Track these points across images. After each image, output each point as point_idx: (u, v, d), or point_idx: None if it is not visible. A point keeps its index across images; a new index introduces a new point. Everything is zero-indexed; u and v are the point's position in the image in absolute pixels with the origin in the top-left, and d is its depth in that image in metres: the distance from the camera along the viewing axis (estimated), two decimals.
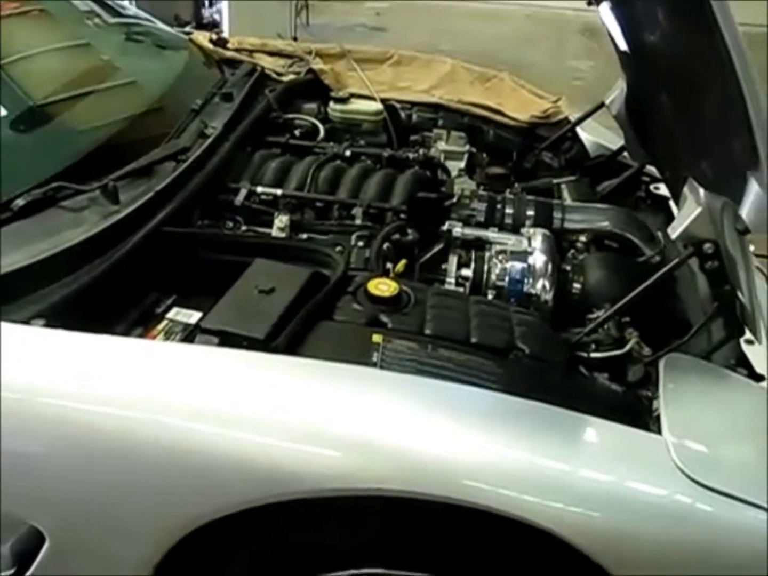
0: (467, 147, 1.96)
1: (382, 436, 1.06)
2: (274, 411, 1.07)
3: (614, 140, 2.05)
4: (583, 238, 1.68)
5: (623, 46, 1.63)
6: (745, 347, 1.35)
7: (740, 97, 1.03)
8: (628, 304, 1.33)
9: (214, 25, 4.07)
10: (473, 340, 1.24)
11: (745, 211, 1.06)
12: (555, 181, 1.97)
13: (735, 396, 1.26)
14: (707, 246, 1.31)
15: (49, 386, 1.09)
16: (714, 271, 1.33)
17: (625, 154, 1.96)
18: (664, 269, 1.34)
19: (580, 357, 1.34)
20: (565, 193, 1.90)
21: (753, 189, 1.03)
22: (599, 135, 2.13)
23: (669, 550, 1.07)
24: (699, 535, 1.06)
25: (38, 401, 1.09)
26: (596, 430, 1.13)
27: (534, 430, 1.12)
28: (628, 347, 1.35)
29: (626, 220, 1.70)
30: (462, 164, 1.92)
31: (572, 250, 1.64)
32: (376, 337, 1.20)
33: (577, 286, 1.53)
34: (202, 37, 2.29)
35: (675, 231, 1.33)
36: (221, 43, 2.25)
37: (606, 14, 1.60)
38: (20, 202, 1.33)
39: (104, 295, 1.24)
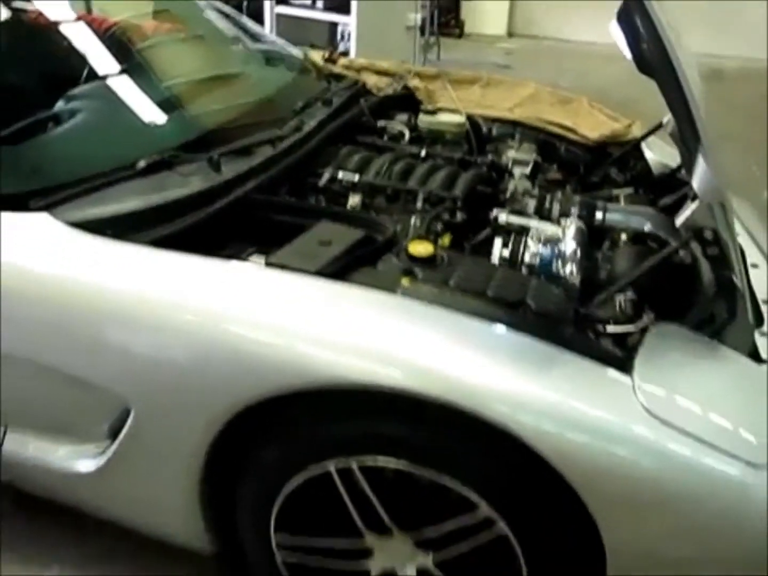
0: (534, 156, 2.24)
1: (397, 345, 1.36)
2: (317, 320, 1.40)
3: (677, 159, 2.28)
4: (624, 236, 1.92)
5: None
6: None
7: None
8: (629, 282, 1.58)
9: (343, 54, 4.53)
10: (488, 293, 1.52)
11: (695, 182, 1.31)
12: (615, 192, 2.22)
13: (714, 360, 1.48)
14: (707, 233, 1.54)
15: (153, 295, 1.47)
16: (715, 257, 1.57)
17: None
18: (666, 250, 1.59)
19: (594, 329, 1.59)
20: (623, 204, 2.14)
21: (700, 164, 1.27)
22: (665, 154, 2.35)
23: (623, 470, 1.30)
24: (646, 459, 1.29)
25: (144, 306, 1.46)
26: (576, 367, 1.38)
27: (530, 363, 1.38)
28: (641, 324, 1.59)
29: (664, 222, 1.93)
30: (527, 170, 2.20)
31: (608, 243, 1.88)
32: (404, 281, 1.51)
33: (603, 272, 1.77)
34: (317, 55, 2.71)
35: (679, 219, 1.57)
36: (331, 60, 2.66)
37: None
38: (142, 163, 1.74)
39: (201, 238, 1.61)
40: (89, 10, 2.59)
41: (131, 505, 1.69)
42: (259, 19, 4.79)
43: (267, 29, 4.75)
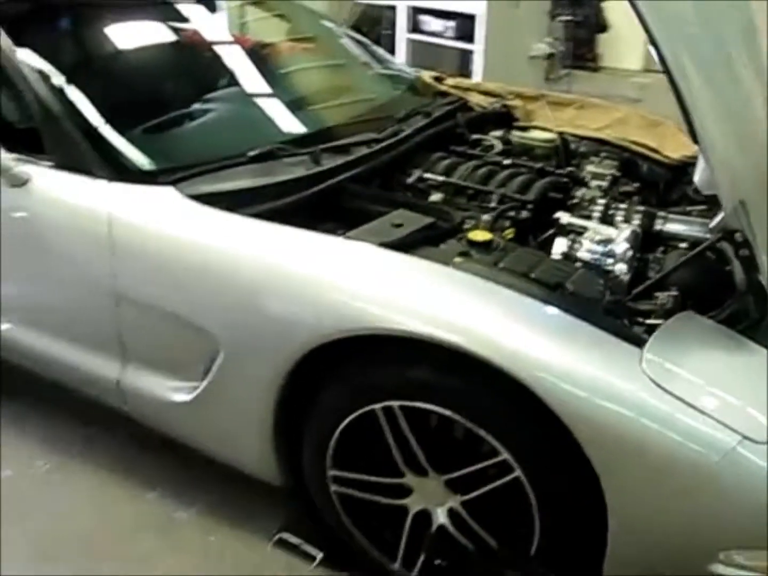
0: (612, 171, 2.44)
1: (440, 307, 1.62)
2: (376, 281, 1.69)
3: None
4: (684, 245, 2.09)
5: None
6: None
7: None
8: (661, 277, 1.78)
9: (463, 76, 4.84)
10: (531, 275, 1.75)
11: (696, 176, 1.50)
12: (688, 208, 2.38)
13: (731, 348, 1.65)
14: (738, 235, 1.72)
15: (249, 256, 1.80)
16: (746, 258, 1.74)
17: None
18: (698, 249, 1.77)
19: (635, 320, 1.79)
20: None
21: (700, 161, 1.47)
22: None
23: (621, 428, 1.50)
24: (642, 420, 1.48)
25: (241, 264, 1.79)
26: (594, 338, 1.59)
27: (555, 332, 1.60)
28: None
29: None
30: (604, 183, 2.40)
31: (662, 248, 2.07)
32: (458, 258, 1.77)
33: (652, 272, 1.96)
34: (427, 75, 3.02)
35: (712, 223, 1.76)
36: (439, 80, 2.96)
37: None
38: (253, 153, 2.10)
39: (296, 215, 1.91)
40: (243, 33, 3.07)
41: (215, 436, 2.02)
42: (394, 44, 5.21)
43: (400, 54, 5.14)
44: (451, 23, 4.98)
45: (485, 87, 3.03)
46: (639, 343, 1.57)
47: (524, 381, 1.53)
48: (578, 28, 6.46)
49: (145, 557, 2.02)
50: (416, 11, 5.20)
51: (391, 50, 5.35)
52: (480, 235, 1.88)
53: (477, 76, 4.59)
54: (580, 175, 2.41)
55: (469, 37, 4.91)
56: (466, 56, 4.98)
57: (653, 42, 1.49)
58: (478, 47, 4.80)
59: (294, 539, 2.02)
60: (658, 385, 1.51)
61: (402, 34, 5.27)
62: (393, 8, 5.51)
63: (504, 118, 2.78)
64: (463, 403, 1.63)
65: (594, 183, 2.39)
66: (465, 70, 4.76)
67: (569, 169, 2.43)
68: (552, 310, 1.64)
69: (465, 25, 4.92)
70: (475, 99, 2.90)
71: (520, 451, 1.61)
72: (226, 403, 1.92)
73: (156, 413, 2.10)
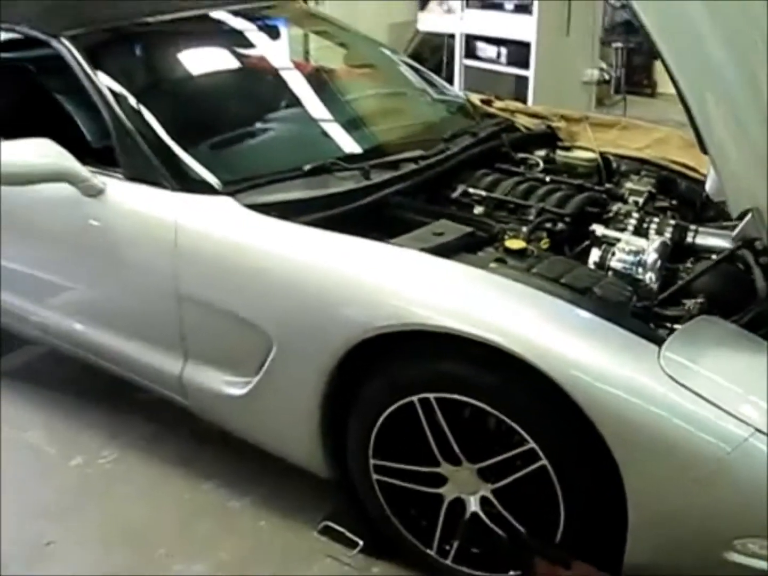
0: (649, 188, 2.55)
1: (474, 306, 1.76)
2: (417, 281, 1.85)
3: None
4: (714, 256, 2.20)
5: None
6: None
7: None
8: (685, 284, 1.90)
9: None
10: (562, 280, 1.88)
11: (708, 184, 1.63)
12: (724, 224, 2.48)
13: (748, 349, 1.75)
14: (758, 243, 1.83)
15: (300, 259, 1.98)
16: (766, 265, 1.85)
17: None
18: (718, 257, 1.89)
19: (663, 325, 1.91)
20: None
21: (710, 171, 1.60)
22: None
23: (639, 419, 1.62)
24: (658, 411, 1.60)
25: (293, 266, 1.97)
26: (617, 337, 1.71)
27: (581, 330, 1.73)
28: None
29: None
30: (641, 199, 2.51)
31: (692, 259, 2.18)
32: (494, 263, 1.92)
33: (680, 282, 2.07)
34: (476, 98, 3.18)
35: (734, 232, 1.87)
36: (487, 102, 3.12)
37: None
38: (307, 167, 2.28)
39: (345, 225, 2.08)
40: (306, 59, 3.30)
41: (266, 429, 2.19)
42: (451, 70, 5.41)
43: (456, 79, 5.34)
44: (504, 50, 5.16)
45: (531, 109, 3.18)
46: (659, 342, 1.69)
47: (552, 376, 1.66)
48: (634, 55, 6.56)
49: (200, 540, 2.20)
50: (472, 38, 5.39)
51: (450, 76, 5.55)
52: (515, 244, 2.03)
53: (530, 102, 4.74)
54: (618, 191, 2.53)
55: (523, 63, 5.08)
56: (521, 81, 5.15)
57: (659, 53, 1.63)
58: (531, 73, 4.97)
59: (338, 527, 2.16)
60: (675, 381, 1.63)
61: (459, 61, 5.46)
62: (452, 36, 5.73)
63: (548, 139, 2.92)
64: (495, 397, 1.77)
65: (631, 199, 2.50)
66: (520, 95, 4.92)
67: (608, 185, 2.55)
68: (580, 312, 1.77)
69: (518, 51, 5.09)
70: (522, 120, 3.04)
71: (546, 441, 1.74)
72: (277, 397, 2.09)
73: (213, 407, 2.28)
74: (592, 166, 2.74)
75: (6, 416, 2.72)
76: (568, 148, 2.85)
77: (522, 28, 5.02)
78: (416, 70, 3.35)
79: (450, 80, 5.13)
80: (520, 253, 2.01)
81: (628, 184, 2.59)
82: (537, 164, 2.73)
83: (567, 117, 3.09)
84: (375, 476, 2.01)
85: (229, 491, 2.36)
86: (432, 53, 6.65)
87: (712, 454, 1.59)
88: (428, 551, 2.02)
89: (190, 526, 2.26)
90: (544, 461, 1.75)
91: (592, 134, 2.93)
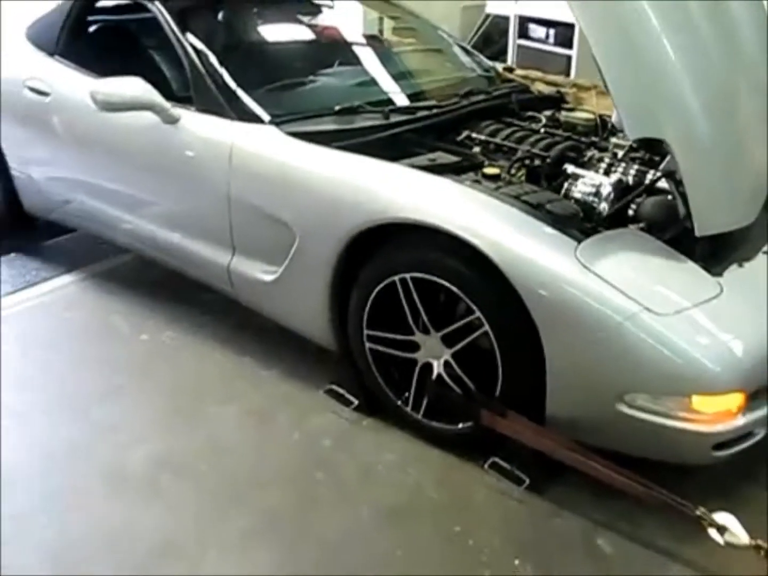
0: (629, 143, 3.07)
1: (450, 208, 2.36)
2: (411, 186, 2.45)
3: None
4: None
5: None
6: None
7: None
8: (622, 204, 2.44)
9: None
10: (521, 197, 2.45)
11: (613, 117, 2.18)
12: None
13: (654, 251, 2.30)
14: (677, 174, 2.37)
15: (330, 174, 2.61)
16: (682, 192, 2.38)
17: None
18: (642, 186, 2.43)
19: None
20: None
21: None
22: None
23: (556, 296, 2.18)
24: (571, 291, 2.16)
25: (322, 179, 2.61)
26: (550, 235, 2.28)
27: (531, 230, 2.30)
28: None
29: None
30: (620, 153, 3.04)
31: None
32: (468, 182, 2.50)
33: (630, 212, 2.61)
34: (500, 67, 3.75)
35: (661, 165, 2.41)
36: (509, 70, 3.70)
37: None
38: (337, 107, 2.91)
39: (367, 150, 2.69)
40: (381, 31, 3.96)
41: (289, 309, 2.84)
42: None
43: (509, 57, 5.89)
44: (552, 30, 5.68)
45: (549, 78, 3.74)
46: (578, 238, 2.26)
47: (496, 261, 2.24)
48: None
49: (235, 393, 2.86)
50: (526, 20, 5.93)
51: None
52: (491, 170, 2.61)
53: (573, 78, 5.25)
54: (605, 144, 3.06)
55: (568, 43, 5.58)
56: (568, 60, 5.66)
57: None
58: (574, 52, 5.48)
59: (339, 390, 2.80)
60: (585, 266, 2.19)
61: (512, 40, 6.02)
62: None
63: (556, 101, 3.47)
64: (455, 277, 2.35)
65: (614, 150, 3.03)
66: (567, 72, 5.43)
67: (594, 139, 3.08)
68: (527, 218, 2.34)
69: (565, 32, 5.60)
70: (539, 87, 3.60)
71: (489, 312, 2.31)
72: (297, 281, 2.73)
73: (251, 292, 2.94)
74: (590, 125, 3.26)
75: (94, 305, 3.45)
76: (572, 110, 3.39)
77: (568, 10, 5.49)
78: (464, 49, 3.93)
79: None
80: (493, 178, 2.59)
81: (614, 139, 3.12)
82: (540, 121, 3.27)
83: (579, 85, 3.64)
84: (368, 344, 2.63)
85: (261, 363, 3.02)
86: (501, 35, 7.19)
87: (607, 322, 2.14)
88: (405, 408, 2.62)
89: (228, 384, 2.92)
90: (487, 327, 2.33)
91: (596, 100, 3.47)
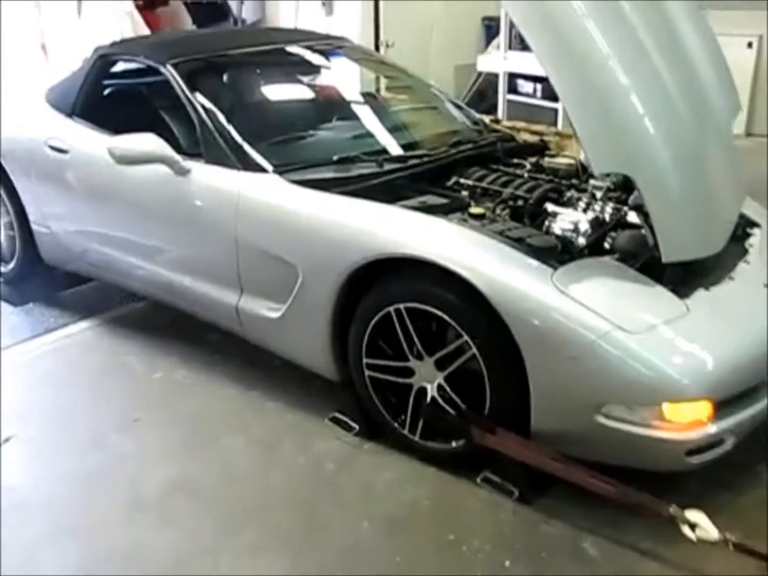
0: (608, 184, 3.35)
1: (438, 242, 2.62)
2: (403, 225, 2.72)
3: None
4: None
5: None
6: None
7: None
8: (595, 238, 2.70)
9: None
10: (504, 233, 2.71)
11: (582, 156, 2.45)
12: None
13: (624, 277, 2.55)
14: (644, 207, 2.63)
15: (329, 217, 2.89)
16: (650, 225, 2.65)
17: None
18: (611, 222, 2.69)
19: None
20: None
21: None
22: None
23: (537, 320, 2.43)
24: (550, 315, 2.41)
25: (323, 222, 2.88)
26: (529, 265, 2.54)
27: (511, 260, 2.56)
28: None
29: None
30: (599, 194, 3.31)
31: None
32: (455, 220, 2.77)
33: (606, 246, 2.87)
34: (488, 119, 4.06)
35: (630, 199, 2.68)
36: (495, 122, 4.01)
37: None
38: (335, 157, 3.20)
39: (363, 195, 2.97)
40: (378, 90, 4.29)
41: (294, 344, 3.08)
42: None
43: (500, 111, 6.24)
44: (539, 85, 6.04)
45: (534, 128, 4.04)
46: (554, 266, 2.51)
47: (481, 289, 2.49)
48: None
49: (243, 424, 3.08)
50: (513, 76, 6.30)
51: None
52: (476, 210, 2.88)
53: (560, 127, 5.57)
54: (584, 186, 3.33)
55: (555, 97, 5.91)
56: (557, 112, 6.01)
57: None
58: (560, 105, 5.80)
59: (342, 417, 3.02)
60: (561, 291, 2.44)
61: (502, 95, 6.39)
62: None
63: (540, 149, 3.76)
64: (444, 305, 2.60)
65: (596, 192, 3.30)
66: (554, 123, 5.76)
67: (574, 181, 3.36)
68: (509, 250, 2.60)
69: (550, 87, 5.92)
70: (524, 136, 3.90)
71: (476, 337, 2.55)
72: (301, 316, 2.98)
73: (258, 329, 3.19)
74: (571, 169, 3.54)
75: (110, 348, 3.70)
76: (554, 156, 3.68)
77: None
78: (455, 104, 4.24)
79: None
80: (479, 217, 2.85)
81: (592, 181, 3.39)
82: (525, 166, 3.56)
83: (561, 134, 3.94)
84: (367, 372, 2.86)
85: (267, 396, 3.25)
86: (493, 91, 7.57)
87: (582, 340, 2.39)
88: (402, 430, 2.84)
89: (237, 415, 3.15)
90: (474, 350, 2.56)
91: (577, 147, 3.76)
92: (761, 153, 7.20)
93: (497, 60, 6.74)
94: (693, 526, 2.28)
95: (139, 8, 7.60)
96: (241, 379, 3.38)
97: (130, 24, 7.35)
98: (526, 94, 6.29)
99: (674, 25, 2.85)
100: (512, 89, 6.43)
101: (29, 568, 2.40)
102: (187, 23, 8.07)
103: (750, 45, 7.72)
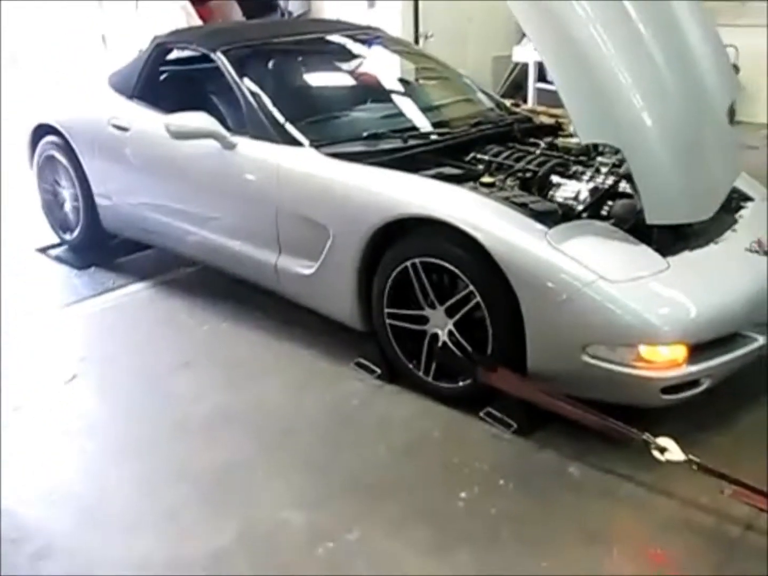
0: (613, 160, 3.72)
1: (454, 206, 3.03)
2: (423, 188, 3.16)
3: None
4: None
5: None
6: None
7: None
8: (591, 202, 3.09)
9: None
10: (510, 198, 3.12)
11: (572, 128, 2.85)
12: None
13: (611, 236, 2.94)
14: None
15: (356, 182, 3.33)
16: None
17: None
18: (603, 187, 3.08)
19: None
20: None
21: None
22: None
23: (531, 270, 2.83)
24: (542, 266, 2.81)
25: (341, 186, 3.32)
26: (527, 224, 2.94)
27: (512, 220, 2.97)
28: None
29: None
30: (605, 169, 3.68)
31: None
32: (467, 187, 3.18)
33: (603, 213, 3.25)
34: (509, 102, 4.45)
35: (621, 169, 3.07)
36: (516, 105, 4.40)
37: None
38: (365, 134, 3.63)
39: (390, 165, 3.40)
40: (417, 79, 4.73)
41: (324, 297, 3.51)
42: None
43: (530, 98, 6.62)
44: None
45: (552, 111, 4.42)
46: (547, 224, 2.92)
47: (484, 244, 2.90)
48: None
49: (278, 368, 3.53)
50: (543, 65, 6.66)
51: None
52: (486, 179, 3.29)
53: None
54: (591, 163, 3.71)
55: None
56: None
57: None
58: None
59: (365, 362, 3.45)
60: (553, 246, 2.84)
61: (532, 84, 6.77)
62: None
63: (555, 129, 4.15)
64: (454, 259, 3.01)
65: (602, 168, 3.67)
66: None
67: (582, 158, 3.74)
68: (511, 212, 3.01)
69: None
70: (542, 118, 4.29)
71: (480, 286, 2.96)
72: (330, 272, 3.41)
73: (294, 286, 3.63)
74: (582, 148, 3.93)
75: (163, 305, 4.20)
76: (568, 136, 4.06)
77: None
78: (484, 92, 4.64)
79: None
80: (488, 185, 3.26)
81: (600, 158, 3.77)
82: (539, 145, 3.94)
83: None
84: (388, 321, 3.29)
85: (302, 345, 3.69)
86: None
87: (571, 287, 2.78)
88: (417, 372, 3.27)
89: (275, 361, 3.60)
90: (479, 298, 2.97)
91: None
92: None
93: (531, 51, 7.10)
94: (662, 450, 2.66)
95: (193, 2, 8.12)
96: (278, 332, 3.82)
97: (184, 17, 7.87)
98: (552, 82, 6.66)
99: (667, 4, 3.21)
100: (542, 78, 6.80)
101: (98, 481, 2.86)
102: (238, 16, 8.55)
103: None
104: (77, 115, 4.60)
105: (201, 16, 8.02)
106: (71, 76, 6.90)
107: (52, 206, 4.85)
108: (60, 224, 4.87)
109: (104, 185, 4.48)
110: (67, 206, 4.76)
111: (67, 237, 4.83)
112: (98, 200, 4.55)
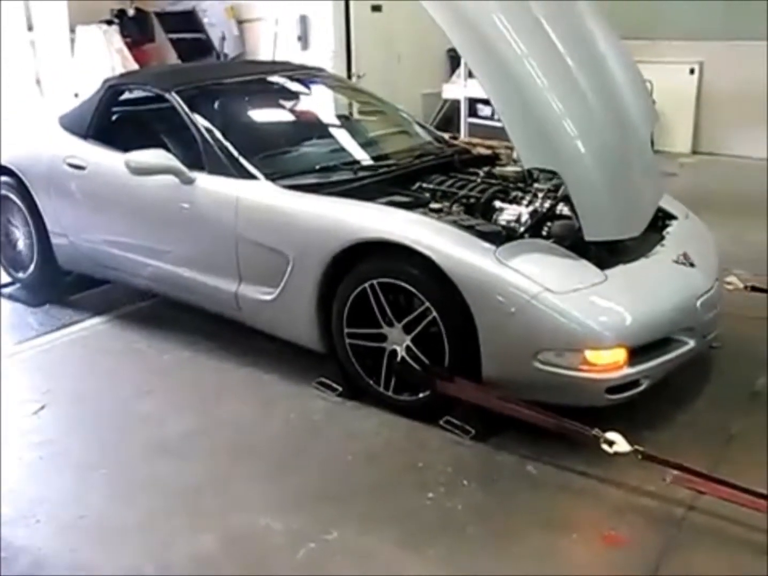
0: (548, 186, 4.03)
1: (402, 228, 3.29)
2: (374, 214, 3.39)
3: None
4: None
5: None
6: None
7: None
8: (532, 223, 3.38)
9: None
10: (456, 221, 3.39)
11: (515, 154, 3.15)
12: None
13: (553, 253, 3.23)
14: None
15: (314, 210, 3.55)
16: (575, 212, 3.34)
17: None
18: (542, 210, 3.38)
19: None
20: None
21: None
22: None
23: (482, 285, 3.10)
24: (491, 280, 3.08)
25: (308, 216, 3.55)
26: (476, 244, 3.21)
27: (462, 241, 3.24)
28: None
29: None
30: (541, 195, 3.99)
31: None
32: (417, 212, 3.45)
33: (544, 233, 3.55)
34: (447, 136, 4.76)
35: (560, 192, 3.37)
36: (454, 137, 4.71)
37: None
38: (317, 167, 3.87)
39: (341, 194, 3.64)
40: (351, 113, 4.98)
41: (284, 321, 3.70)
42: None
43: (462, 133, 7.00)
44: None
45: (487, 143, 4.74)
46: (496, 243, 3.19)
47: (439, 263, 3.14)
48: None
49: (244, 393, 3.70)
50: (473, 101, 7.07)
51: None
52: (435, 205, 3.56)
53: None
54: (529, 189, 4.01)
55: None
56: None
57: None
58: None
59: (327, 381, 3.65)
60: (502, 262, 3.11)
61: (464, 118, 7.16)
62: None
63: (492, 160, 4.46)
64: (409, 278, 3.25)
65: (539, 194, 3.98)
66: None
67: (520, 184, 4.05)
68: (462, 233, 3.28)
69: None
70: (479, 149, 4.60)
71: (436, 303, 3.20)
72: (291, 297, 3.62)
73: (255, 312, 3.82)
74: (518, 176, 4.24)
75: (121, 338, 4.33)
76: (504, 165, 4.38)
77: None
78: (420, 125, 4.94)
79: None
80: (437, 210, 3.53)
81: (536, 185, 4.09)
82: (478, 174, 4.24)
83: (510, 147, 4.62)
84: (347, 341, 3.50)
85: (264, 370, 3.87)
86: (459, 116, 8.33)
87: (519, 299, 3.05)
88: (378, 387, 3.48)
89: (237, 385, 3.77)
90: (435, 314, 3.22)
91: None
92: (705, 168, 8.03)
93: (460, 87, 7.50)
94: (611, 444, 2.92)
95: (128, 45, 8.31)
96: (239, 359, 3.99)
97: (120, 60, 8.05)
98: (484, 117, 7.07)
99: (586, 33, 3.57)
100: (472, 113, 7.21)
101: (73, 502, 2.98)
102: (172, 58, 8.77)
103: (692, 71, 8.53)
104: (30, 154, 4.73)
105: (137, 59, 8.22)
106: (12, 118, 6.98)
107: (4, 245, 4.94)
108: (12, 263, 4.95)
109: (59, 223, 4.60)
110: (20, 245, 4.85)
111: (20, 275, 4.91)
112: (54, 238, 4.66)
